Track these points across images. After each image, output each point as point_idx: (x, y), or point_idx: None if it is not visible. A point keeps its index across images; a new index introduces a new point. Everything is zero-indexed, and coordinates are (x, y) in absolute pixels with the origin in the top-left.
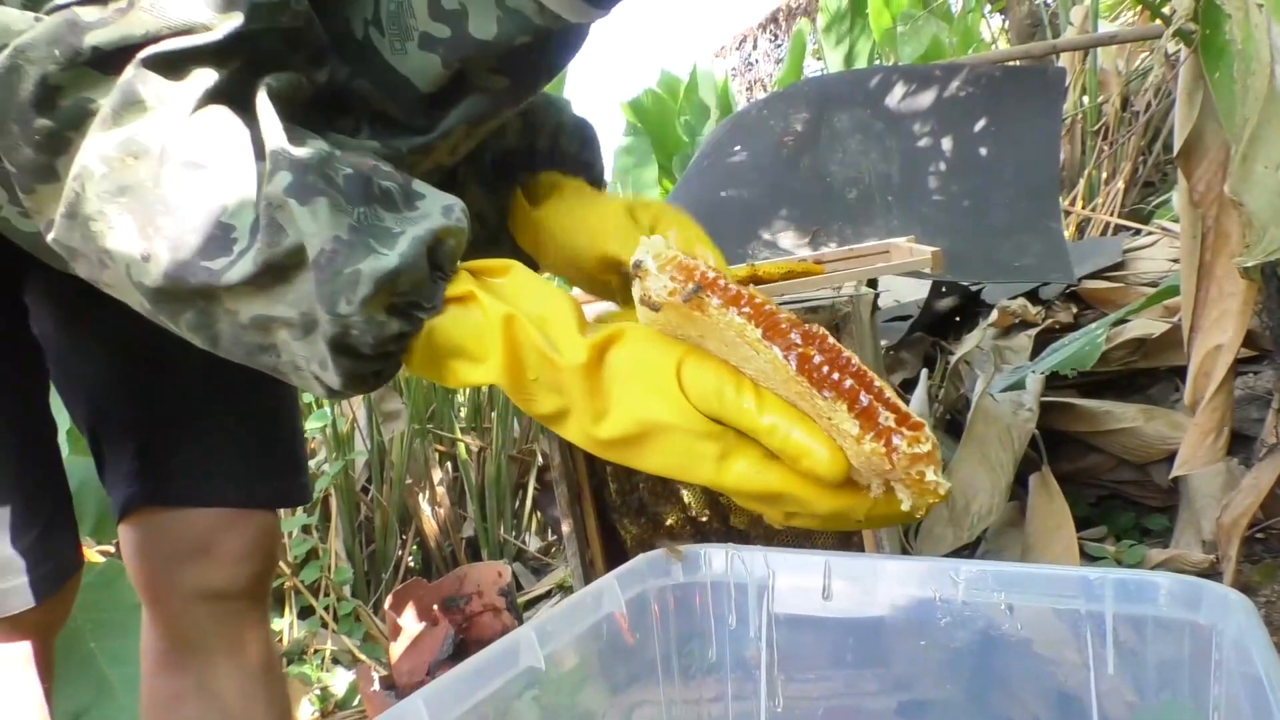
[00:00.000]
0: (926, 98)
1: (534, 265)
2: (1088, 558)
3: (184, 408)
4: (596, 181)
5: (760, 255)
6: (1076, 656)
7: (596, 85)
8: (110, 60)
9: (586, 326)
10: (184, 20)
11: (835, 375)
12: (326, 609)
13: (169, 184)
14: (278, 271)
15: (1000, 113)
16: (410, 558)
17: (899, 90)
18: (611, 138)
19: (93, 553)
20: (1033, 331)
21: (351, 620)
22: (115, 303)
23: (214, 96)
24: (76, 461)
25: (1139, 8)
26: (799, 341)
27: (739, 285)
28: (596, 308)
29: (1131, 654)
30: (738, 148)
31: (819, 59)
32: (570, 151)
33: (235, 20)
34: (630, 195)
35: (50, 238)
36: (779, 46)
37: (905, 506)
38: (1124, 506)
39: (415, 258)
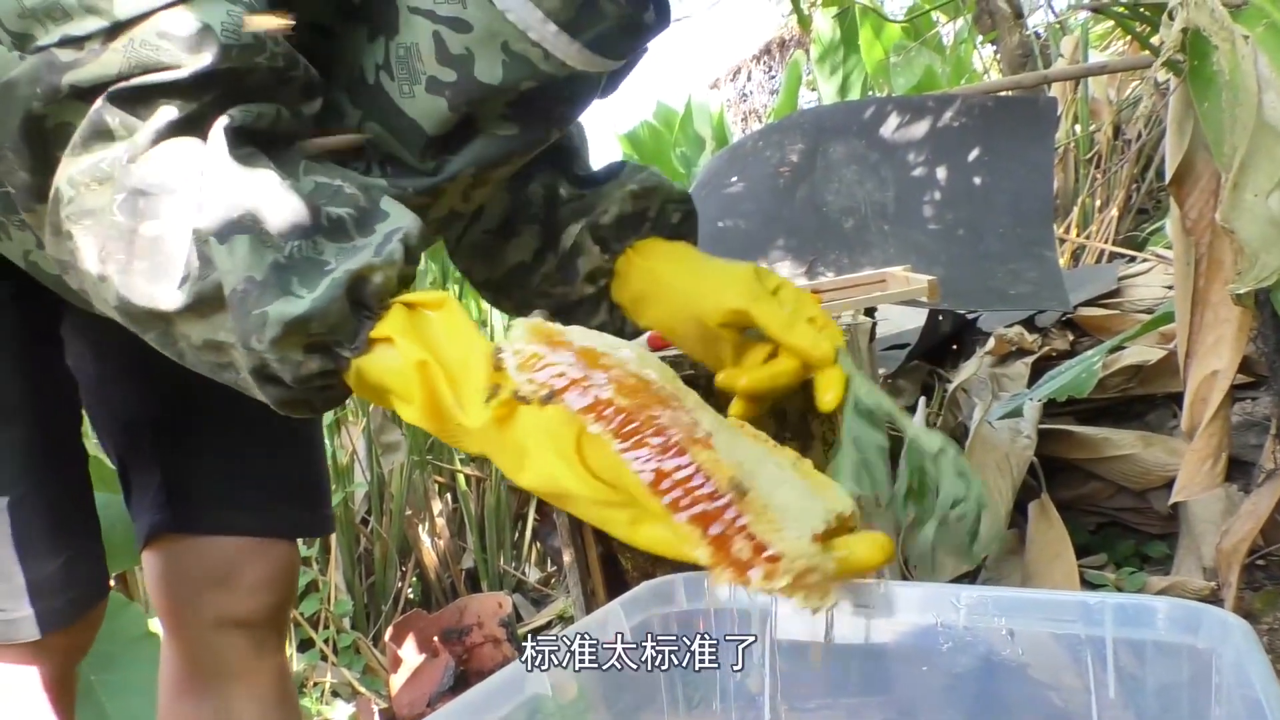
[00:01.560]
0: (920, 128)
1: (620, 325)
2: (1088, 585)
3: (207, 438)
4: None
5: None
6: (1077, 681)
7: (593, 117)
8: (89, 94)
9: (498, 383)
10: (154, 60)
11: (685, 501)
12: (326, 641)
13: (121, 210)
14: (211, 302)
15: (993, 142)
16: (410, 589)
17: (893, 121)
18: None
19: None
20: (1029, 359)
21: (351, 653)
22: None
23: (178, 129)
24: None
25: (1129, 37)
26: (655, 454)
27: (607, 381)
28: None
29: (1131, 678)
30: (734, 178)
31: (813, 90)
32: (673, 222)
33: (204, 61)
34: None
35: (48, 251)
36: (773, 78)
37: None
38: (1123, 533)
39: (328, 302)
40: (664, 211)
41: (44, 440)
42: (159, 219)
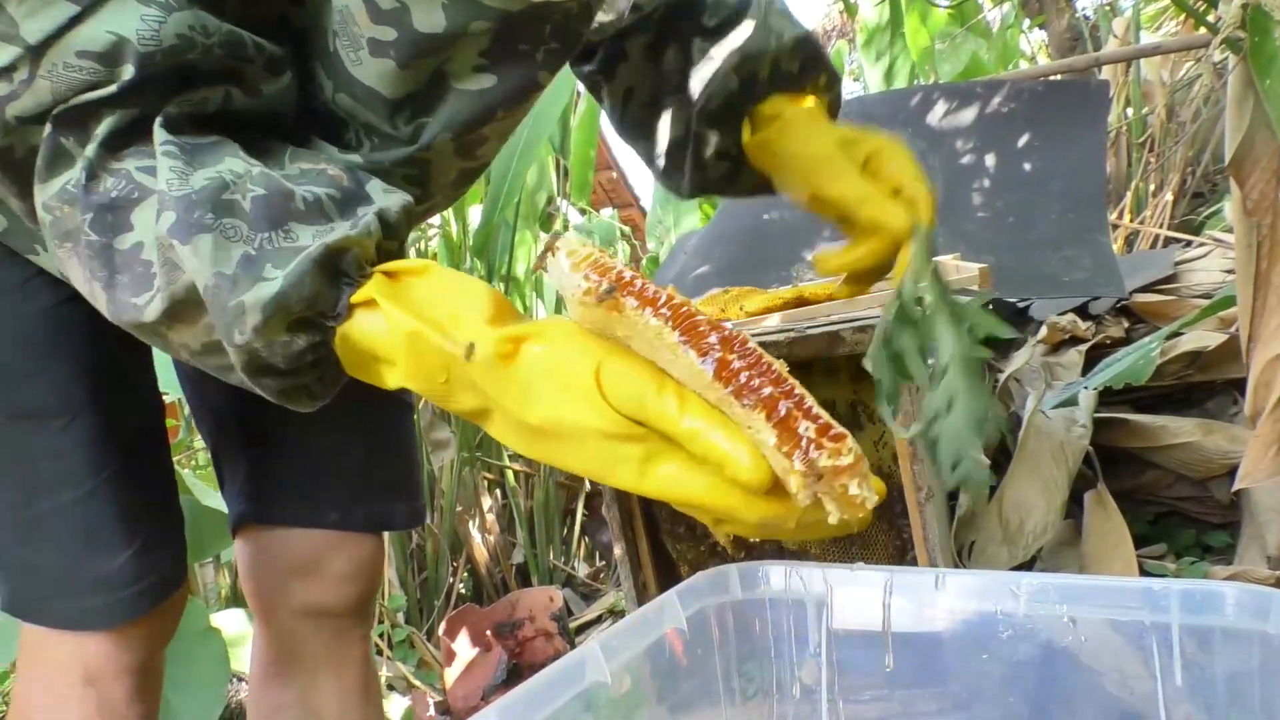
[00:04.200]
0: (968, 115)
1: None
2: (1147, 575)
3: (290, 432)
4: (824, 94)
5: (805, 277)
6: (1142, 670)
7: None
8: (37, 121)
9: (507, 320)
10: (80, 80)
11: (754, 382)
12: (381, 636)
13: (93, 229)
14: (189, 305)
15: (1044, 127)
16: (461, 585)
17: (940, 108)
18: None
19: None
20: (1083, 347)
21: (406, 647)
22: None
23: (128, 137)
24: None
25: (1182, 17)
26: (717, 346)
27: (659, 287)
28: None
29: (1198, 667)
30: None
31: (857, 80)
32: (791, 72)
33: (128, 73)
34: (848, 128)
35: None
36: None
37: (832, 520)
38: (1183, 523)
39: (300, 276)
40: (777, 67)
41: (112, 436)
42: (132, 230)
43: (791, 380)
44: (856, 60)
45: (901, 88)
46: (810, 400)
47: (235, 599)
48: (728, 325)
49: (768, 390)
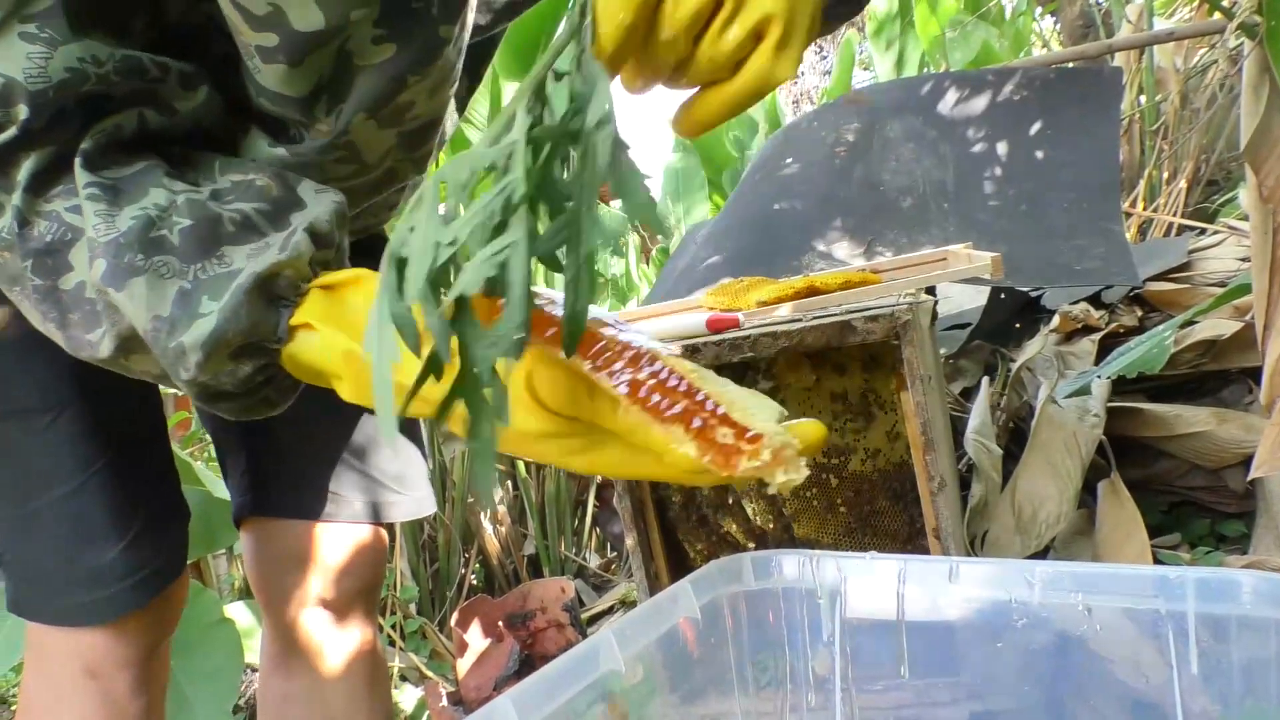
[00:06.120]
0: (979, 103)
1: None
2: (1162, 565)
3: (289, 424)
4: None
5: (816, 267)
6: (1157, 659)
7: (644, 104)
8: None
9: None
10: None
11: (665, 403)
12: (393, 627)
13: (35, 273)
14: (137, 339)
15: (1056, 115)
16: (473, 575)
17: (951, 96)
18: (660, 156)
19: None
20: (1096, 336)
21: (418, 638)
22: None
23: (49, 177)
24: None
25: (1196, 3)
26: (626, 369)
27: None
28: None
29: (1214, 656)
30: (789, 160)
31: (867, 69)
32: None
33: (23, 113)
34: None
35: None
36: (825, 59)
37: (770, 489)
38: (1197, 513)
39: (235, 309)
40: None
41: (100, 430)
42: (73, 270)
43: (706, 388)
44: (866, 49)
45: (912, 76)
46: (725, 408)
47: (249, 590)
48: (636, 344)
49: (680, 406)
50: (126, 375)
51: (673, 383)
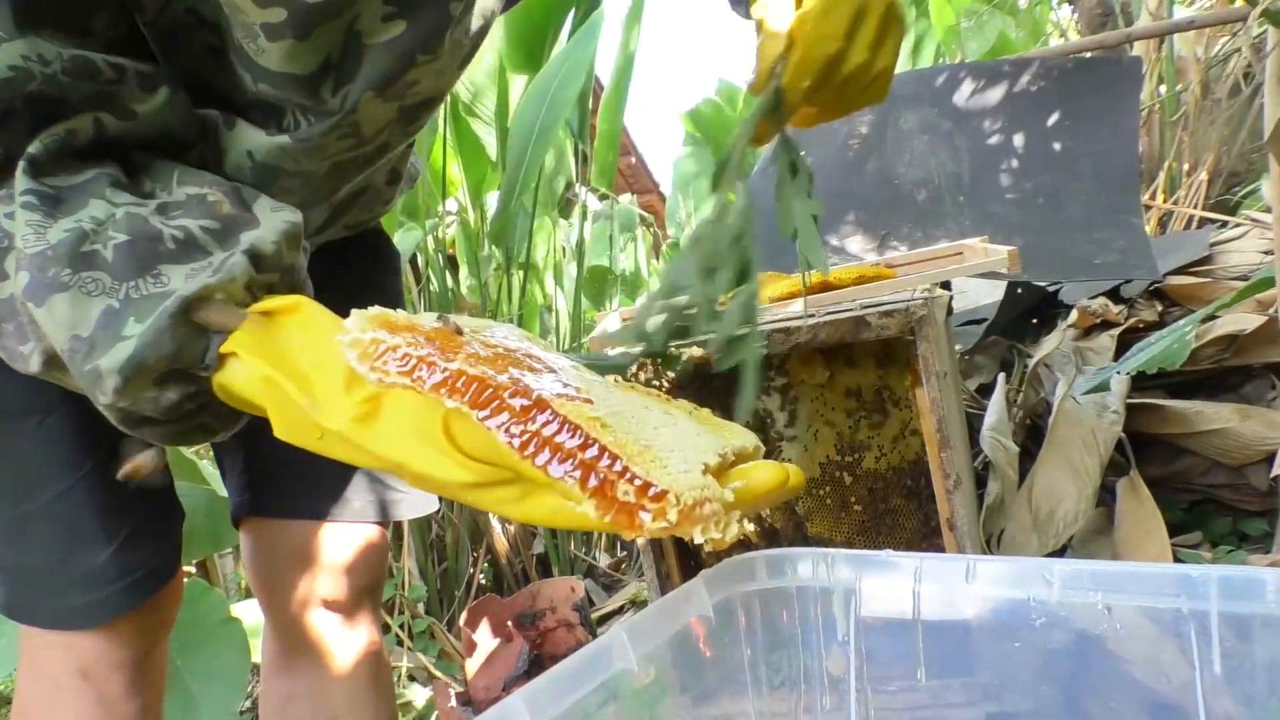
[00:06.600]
0: (996, 94)
1: None
2: (1182, 564)
3: None
4: None
5: (829, 261)
6: (1178, 659)
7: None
8: None
9: (356, 382)
10: None
11: (554, 460)
12: (401, 626)
13: None
14: (59, 361)
15: (1074, 106)
16: (482, 575)
17: (967, 87)
18: (672, 148)
19: None
20: (1115, 331)
21: (426, 638)
22: None
23: None
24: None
25: None
26: (516, 422)
27: (454, 362)
28: None
29: (1237, 656)
30: (801, 153)
31: None
32: None
33: None
34: None
35: None
36: None
37: (699, 542)
38: (1219, 510)
39: (157, 334)
40: None
41: (88, 432)
42: (9, 279)
43: (607, 438)
44: None
45: (926, 67)
46: (625, 460)
47: None
48: (536, 390)
49: (571, 462)
50: (66, 386)
51: (562, 437)
